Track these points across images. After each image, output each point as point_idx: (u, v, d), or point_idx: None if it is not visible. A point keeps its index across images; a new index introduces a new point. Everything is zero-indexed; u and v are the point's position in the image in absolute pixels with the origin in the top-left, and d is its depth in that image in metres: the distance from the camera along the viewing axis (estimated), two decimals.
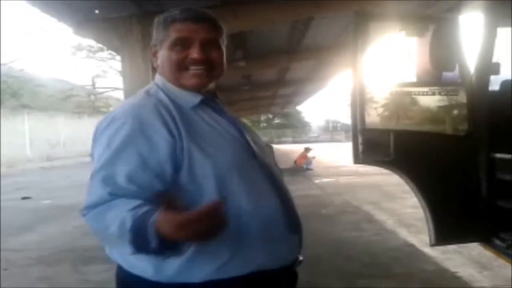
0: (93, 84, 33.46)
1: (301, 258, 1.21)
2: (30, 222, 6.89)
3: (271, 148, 1.33)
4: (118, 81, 31.05)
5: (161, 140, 1.03)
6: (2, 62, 26.79)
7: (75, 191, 10.59)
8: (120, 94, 31.89)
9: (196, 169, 1.05)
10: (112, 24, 6.37)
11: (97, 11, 6.12)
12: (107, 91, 33.96)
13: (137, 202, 0.95)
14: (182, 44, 1.13)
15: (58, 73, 50.89)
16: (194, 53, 1.13)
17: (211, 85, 1.21)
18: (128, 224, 0.90)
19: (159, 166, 1.02)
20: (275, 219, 1.12)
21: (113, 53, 18.71)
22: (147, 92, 1.18)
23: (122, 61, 6.70)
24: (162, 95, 1.15)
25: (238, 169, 1.09)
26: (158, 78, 1.21)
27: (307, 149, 15.05)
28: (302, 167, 13.84)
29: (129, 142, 1.02)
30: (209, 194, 1.04)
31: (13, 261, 4.68)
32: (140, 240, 0.90)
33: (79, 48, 29.86)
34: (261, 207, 1.10)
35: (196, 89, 1.16)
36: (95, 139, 1.10)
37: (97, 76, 32.86)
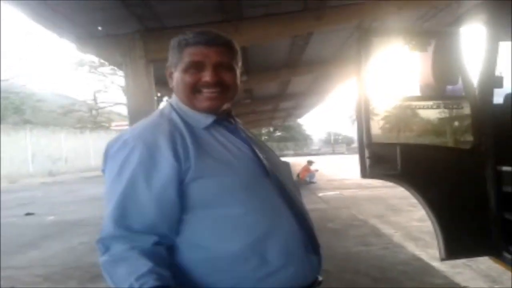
0: (95, 99, 33.54)
1: (320, 278, 1.19)
2: (35, 239, 6.87)
3: (288, 165, 1.33)
4: (119, 96, 31.24)
5: (170, 168, 1.05)
6: (3, 77, 27.01)
7: (78, 207, 10.59)
8: (122, 109, 32.06)
9: (206, 189, 1.06)
10: (115, 41, 6.45)
11: (100, 28, 6.19)
12: (108, 106, 34.10)
13: (146, 265, 0.95)
14: (195, 67, 1.15)
15: (59, 88, 51.15)
16: (207, 76, 1.14)
17: (226, 106, 1.22)
18: None
19: (171, 198, 1.05)
20: (290, 239, 1.11)
21: (115, 68, 18.85)
22: (161, 113, 1.20)
23: (125, 77, 6.76)
24: (175, 116, 1.17)
25: (249, 188, 1.10)
26: (173, 99, 1.23)
27: (309, 162, 14.97)
28: (305, 180, 13.77)
29: (139, 173, 1.04)
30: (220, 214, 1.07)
31: (19, 279, 4.63)
32: None
33: (80, 63, 30.04)
34: (275, 226, 1.10)
35: (210, 112, 1.18)
36: (107, 157, 1.12)
37: (99, 91, 32.96)
